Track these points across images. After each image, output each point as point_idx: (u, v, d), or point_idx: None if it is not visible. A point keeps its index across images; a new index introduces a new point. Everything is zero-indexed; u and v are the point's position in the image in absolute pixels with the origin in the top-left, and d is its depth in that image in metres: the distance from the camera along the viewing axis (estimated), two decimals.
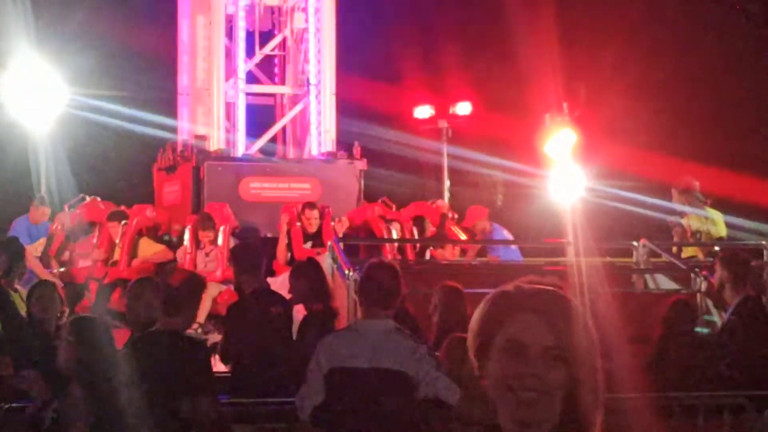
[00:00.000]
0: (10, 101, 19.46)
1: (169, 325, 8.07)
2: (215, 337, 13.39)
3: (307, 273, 11.19)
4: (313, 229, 16.02)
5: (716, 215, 16.90)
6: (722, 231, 16.94)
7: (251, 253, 11.31)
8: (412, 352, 7.50)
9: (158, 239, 17.44)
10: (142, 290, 9.69)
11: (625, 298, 13.81)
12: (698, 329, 11.49)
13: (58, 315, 10.67)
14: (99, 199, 18.28)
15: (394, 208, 18.11)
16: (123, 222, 16.87)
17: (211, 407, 7.90)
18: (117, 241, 16.75)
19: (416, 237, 18.02)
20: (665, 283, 16.46)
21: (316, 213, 16.11)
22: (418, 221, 18.27)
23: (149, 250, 16.66)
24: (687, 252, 16.90)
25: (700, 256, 16.28)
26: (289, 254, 16.06)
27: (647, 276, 16.53)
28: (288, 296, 11.07)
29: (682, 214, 16.99)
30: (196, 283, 8.47)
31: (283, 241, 16.26)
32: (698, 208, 16.87)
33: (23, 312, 11.61)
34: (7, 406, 9.93)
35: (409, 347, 7.52)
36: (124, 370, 7.72)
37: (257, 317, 10.56)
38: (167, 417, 7.74)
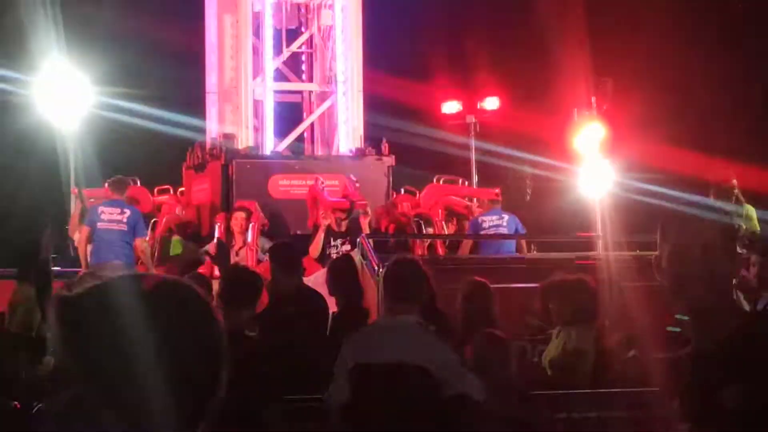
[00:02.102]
0: (38, 102, 19.55)
1: (234, 322, 7.96)
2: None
3: (342, 270, 11.23)
4: (342, 229, 16.03)
5: (751, 211, 16.83)
6: (756, 227, 16.87)
7: (290, 251, 11.34)
8: (437, 348, 7.48)
9: (188, 237, 17.51)
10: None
11: (655, 291, 13.78)
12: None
13: None
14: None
15: (417, 195, 18.19)
16: (153, 220, 16.92)
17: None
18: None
19: (446, 231, 18.07)
20: None
21: (344, 215, 16.10)
22: (449, 216, 18.37)
23: (179, 248, 16.71)
24: None
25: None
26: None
27: None
28: (324, 293, 11.12)
29: (722, 211, 16.91)
30: (256, 278, 8.44)
31: (319, 237, 16.24)
32: (735, 204, 16.80)
33: (38, 317, 11.64)
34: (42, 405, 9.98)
35: (433, 343, 7.51)
36: None
37: (298, 315, 10.58)
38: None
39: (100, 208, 16.48)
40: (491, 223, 17.89)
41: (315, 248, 15.76)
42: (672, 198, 19.13)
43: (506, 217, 18.02)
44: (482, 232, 17.79)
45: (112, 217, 16.39)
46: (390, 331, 7.55)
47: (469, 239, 18.17)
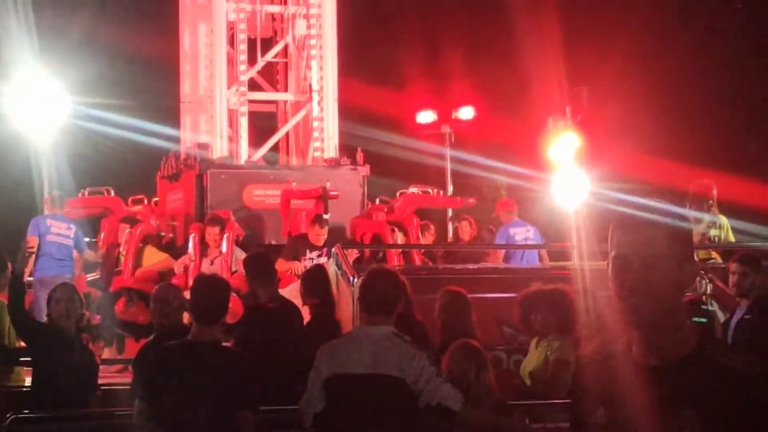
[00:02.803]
0: (12, 111, 19.46)
1: (207, 334, 7.94)
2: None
3: (318, 279, 11.22)
4: (319, 243, 15.97)
5: (723, 220, 16.87)
6: (731, 236, 16.91)
7: (264, 262, 11.31)
8: (412, 358, 7.44)
9: (162, 247, 17.45)
10: (168, 295, 9.72)
11: None
12: (696, 319, 11.37)
13: (79, 317, 10.55)
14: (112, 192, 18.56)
15: (391, 204, 18.26)
16: (127, 230, 16.88)
17: (254, 421, 7.87)
18: (121, 249, 16.76)
19: (421, 241, 18.05)
20: None
21: (325, 231, 16.02)
22: (425, 227, 18.40)
23: (153, 258, 16.65)
24: (699, 256, 16.85)
25: (718, 259, 16.19)
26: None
27: None
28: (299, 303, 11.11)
29: (696, 220, 16.95)
30: (225, 289, 8.39)
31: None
32: (708, 213, 16.84)
33: (6, 325, 11.61)
34: (16, 416, 9.91)
35: (408, 353, 7.47)
36: (175, 382, 7.69)
37: (275, 326, 10.55)
38: (216, 431, 7.71)
39: (49, 221, 16.66)
40: (522, 235, 18.10)
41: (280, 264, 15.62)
42: (643, 207, 19.19)
43: (531, 228, 18.21)
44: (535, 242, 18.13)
45: (60, 231, 16.57)
46: (365, 342, 7.52)
47: (465, 249, 18.31)
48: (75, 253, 16.55)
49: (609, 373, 3.45)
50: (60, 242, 16.42)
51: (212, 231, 16.11)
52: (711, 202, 16.69)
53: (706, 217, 16.54)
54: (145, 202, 18.98)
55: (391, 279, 7.80)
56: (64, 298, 10.41)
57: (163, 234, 18.03)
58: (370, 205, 18.45)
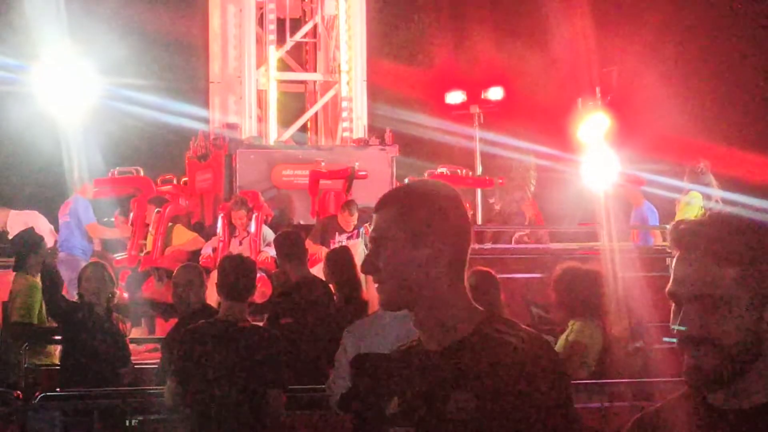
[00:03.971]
0: (41, 91, 19.52)
1: (236, 312, 7.99)
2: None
3: (341, 261, 11.22)
4: (349, 229, 15.95)
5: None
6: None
7: (294, 241, 11.31)
8: None
9: (191, 227, 17.49)
10: (190, 276, 9.74)
11: (659, 281, 13.73)
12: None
13: (110, 296, 10.57)
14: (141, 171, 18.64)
15: None
16: (156, 210, 16.92)
17: (281, 400, 7.93)
18: (150, 228, 16.78)
19: None
20: None
21: (355, 217, 15.98)
22: None
23: (182, 237, 16.67)
24: None
25: None
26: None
27: None
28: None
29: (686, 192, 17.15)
30: (252, 268, 8.43)
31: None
32: (707, 186, 16.91)
33: (38, 302, 11.70)
34: (45, 394, 9.97)
35: None
36: (206, 361, 7.74)
37: (305, 305, 10.56)
38: (247, 410, 7.75)
39: (62, 205, 16.94)
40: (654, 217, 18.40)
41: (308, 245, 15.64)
42: (673, 188, 19.14)
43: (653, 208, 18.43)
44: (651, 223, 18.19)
45: (63, 212, 16.79)
46: (390, 322, 7.52)
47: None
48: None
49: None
50: (63, 222, 16.68)
51: (238, 214, 16.11)
52: (702, 174, 16.76)
53: (703, 190, 16.63)
54: (174, 182, 19.03)
55: None
56: (95, 277, 10.44)
57: (191, 213, 18.08)
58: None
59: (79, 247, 16.57)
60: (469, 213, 19.73)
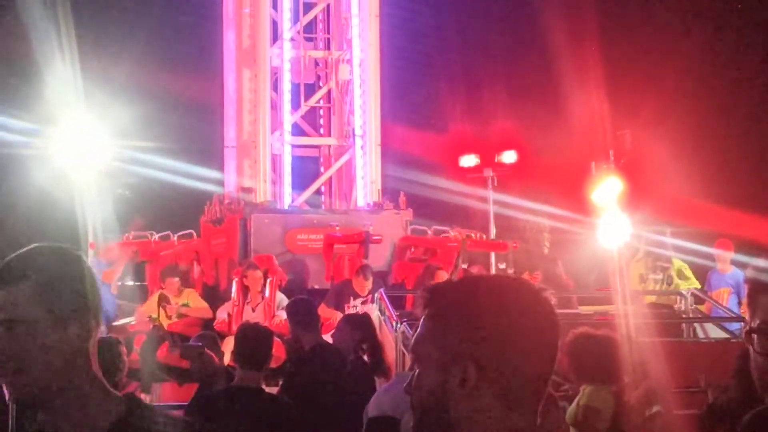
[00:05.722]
0: (57, 154, 19.63)
1: (251, 379, 8.02)
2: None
3: (362, 325, 11.23)
4: (364, 293, 15.96)
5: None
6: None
7: (307, 308, 11.33)
8: None
9: (205, 292, 17.53)
10: (205, 345, 9.75)
11: (674, 346, 13.69)
12: None
13: (117, 375, 10.42)
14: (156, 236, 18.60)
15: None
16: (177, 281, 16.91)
17: None
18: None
19: None
20: (714, 331, 16.32)
21: (370, 282, 15.96)
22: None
23: (197, 303, 16.68)
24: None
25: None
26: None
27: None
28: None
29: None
30: (268, 337, 8.48)
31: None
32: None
33: None
34: None
35: None
36: (220, 428, 7.75)
37: (318, 373, 10.56)
38: None
39: None
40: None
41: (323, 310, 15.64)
42: (690, 251, 19.12)
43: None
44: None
45: None
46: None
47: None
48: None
49: None
50: None
51: (256, 275, 16.12)
52: None
53: None
54: (194, 236, 18.99)
55: None
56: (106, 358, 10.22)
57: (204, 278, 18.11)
58: (413, 250, 18.45)
59: None
60: None
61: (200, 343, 9.78)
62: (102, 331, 15.17)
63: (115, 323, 16.99)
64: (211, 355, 9.63)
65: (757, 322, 2.78)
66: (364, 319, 11.70)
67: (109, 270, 16.88)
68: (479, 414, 2.61)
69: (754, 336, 2.77)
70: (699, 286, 17.55)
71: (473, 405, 2.61)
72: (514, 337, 2.62)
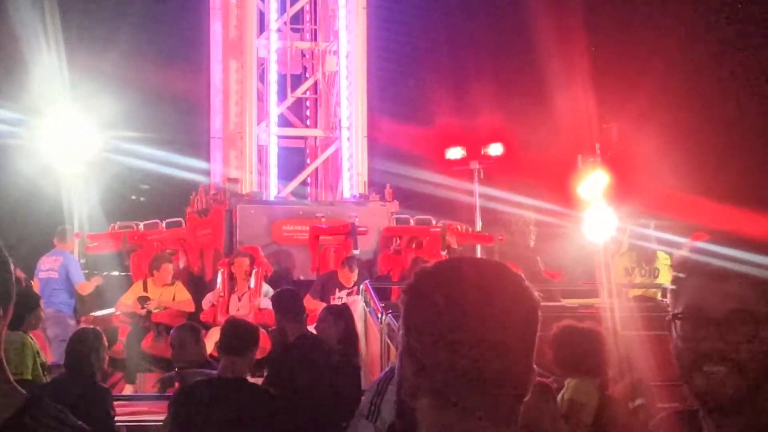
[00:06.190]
0: (44, 146, 19.60)
1: (234, 368, 8.02)
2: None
3: (343, 315, 11.24)
4: (349, 285, 15.95)
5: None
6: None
7: (293, 299, 11.34)
8: None
9: (190, 281, 17.52)
10: (185, 336, 9.74)
11: (658, 339, 13.71)
12: None
13: (98, 366, 10.34)
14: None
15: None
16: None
17: None
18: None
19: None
20: None
21: (355, 273, 15.94)
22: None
23: (182, 295, 16.66)
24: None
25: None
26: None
27: None
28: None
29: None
30: (254, 327, 8.50)
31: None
32: None
33: (30, 357, 11.65)
34: None
35: None
36: (202, 418, 7.74)
37: (303, 363, 10.57)
38: None
39: (41, 259, 16.84)
40: None
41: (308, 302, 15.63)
42: (675, 244, 19.17)
43: None
44: None
45: (47, 266, 16.69)
46: None
47: None
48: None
49: None
50: (44, 277, 16.57)
51: (243, 261, 16.12)
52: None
53: None
54: (183, 224, 18.96)
55: None
56: (83, 346, 10.11)
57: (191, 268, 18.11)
58: (398, 242, 18.46)
59: (66, 303, 16.51)
60: None
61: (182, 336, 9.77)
62: (72, 324, 15.16)
63: (97, 314, 16.96)
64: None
65: (681, 308, 2.74)
66: (346, 309, 11.71)
67: (84, 283, 16.80)
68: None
69: (677, 322, 2.73)
70: None
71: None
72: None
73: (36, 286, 16.44)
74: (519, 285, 2.49)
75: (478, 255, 21.83)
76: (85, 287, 16.89)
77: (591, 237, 20.21)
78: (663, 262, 17.75)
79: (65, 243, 17.13)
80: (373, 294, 14.03)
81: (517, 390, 2.47)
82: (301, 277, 17.51)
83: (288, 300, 11.27)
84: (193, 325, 10.83)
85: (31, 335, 12.03)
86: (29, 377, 11.91)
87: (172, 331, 10.16)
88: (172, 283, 16.52)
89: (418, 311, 2.45)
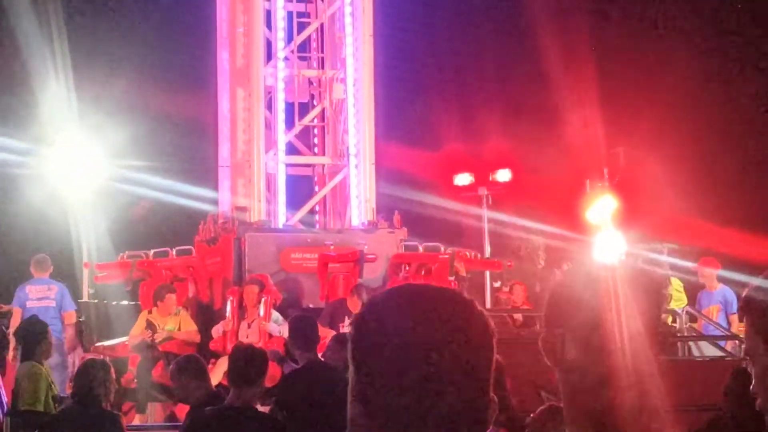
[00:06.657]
0: (52, 174, 19.66)
1: (243, 397, 8.02)
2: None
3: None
4: (355, 311, 15.93)
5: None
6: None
7: (308, 327, 11.35)
8: None
9: (199, 310, 17.53)
10: (188, 368, 9.68)
11: (671, 365, 13.67)
12: None
13: (104, 395, 10.27)
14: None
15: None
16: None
17: None
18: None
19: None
20: (708, 349, 16.33)
21: (363, 301, 15.90)
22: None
23: (188, 326, 16.65)
24: None
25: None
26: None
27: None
28: None
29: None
30: (262, 355, 8.50)
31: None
32: None
33: (43, 389, 11.65)
34: None
35: None
36: None
37: (313, 391, 10.55)
38: None
39: (27, 287, 16.89)
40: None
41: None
42: (682, 269, 19.14)
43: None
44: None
45: (41, 295, 16.74)
46: None
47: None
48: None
49: None
50: (41, 306, 16.61)
51: (252, 289, 16.15)
52: None
53: None
54: (193, 252, 18.94)
55: None
56: (89, 377, 10.05)
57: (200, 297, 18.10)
58: (406, 269, 18.44)
59: (60, 331, 16.71)
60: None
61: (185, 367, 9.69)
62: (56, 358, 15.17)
63: (105, 343, 17.00)
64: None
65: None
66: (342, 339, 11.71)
67: (72, 312, 16.99)
68: None
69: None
70: (686, 303, 17.59)
71: None
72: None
73: (18, 314, 16.48)
74: (469, 314, 2.33)
75: (487, 281, 21.83)
76: (73, 316, 17.09)
77: (600, 261, 20.18)
78: (676, 287, 17.70)
79: (44, 272, 17.22)
80: None
81: (474, 427, 2.33)
82: (310, 305, 17.49)
83: (302, 327, 11.30)
84: (190, 358, 10.59)
85: (46, 364, 12.07)
86: (41, 409, 11.93)
87: (170, 368, 10.06)
88: (177, 313, 16.54)
89: (363, 347, 2.34)
